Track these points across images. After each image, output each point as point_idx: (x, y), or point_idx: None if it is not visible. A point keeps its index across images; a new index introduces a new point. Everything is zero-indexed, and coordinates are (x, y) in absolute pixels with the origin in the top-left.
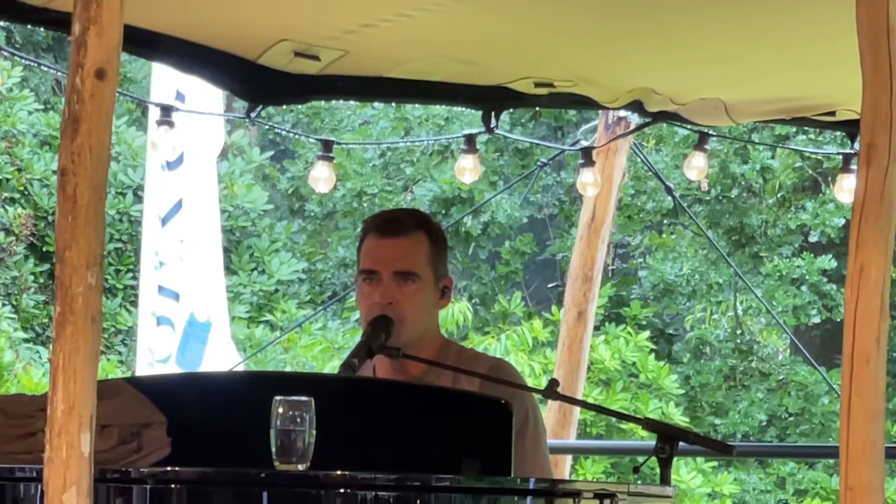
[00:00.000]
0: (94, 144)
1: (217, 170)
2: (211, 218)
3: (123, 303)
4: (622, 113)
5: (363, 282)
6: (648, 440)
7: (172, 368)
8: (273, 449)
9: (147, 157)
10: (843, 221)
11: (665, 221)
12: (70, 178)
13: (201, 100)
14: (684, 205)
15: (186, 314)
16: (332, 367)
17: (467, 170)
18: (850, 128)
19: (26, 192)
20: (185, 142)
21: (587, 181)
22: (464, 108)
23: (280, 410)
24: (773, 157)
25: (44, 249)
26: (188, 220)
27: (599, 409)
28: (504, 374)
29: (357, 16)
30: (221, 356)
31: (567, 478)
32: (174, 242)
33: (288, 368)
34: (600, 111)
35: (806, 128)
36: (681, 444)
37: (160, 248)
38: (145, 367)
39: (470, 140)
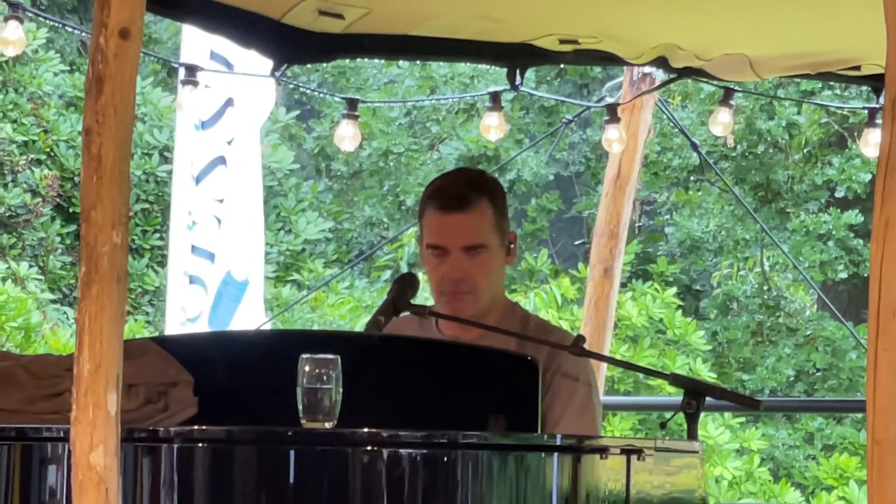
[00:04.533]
0: (118, 104)
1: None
2: (253, 176)
3: (151, 263)
4: (647, 69)
5: (431, 255)
6: (675, 396)
7: (203, 328)
8: (300, 407)
9: (177, 117)
10: (869, 176)
11: (691, 178)
12: (95, 137)
13: (248, 59)
14: (710, 161)
15: (222, 273)
16: (361, 326)
17: (493, 127)
18: (876, 82)
19: (52, 154)
20: (228, 99)
21: (612, 138)
22: (489, 66)
23: (306, 368)
24: (798, 113)
25: (70, 211)
26: (228, 178)
27: (626, 365)
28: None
29: None
30: (252, 316)
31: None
32: (209, 202)
33: (315, 327)
34: (625, 68)
35: (831, 83)
36: (708, 399)
37: (193, 207)
38: (177, 326)
39: (495, 98)
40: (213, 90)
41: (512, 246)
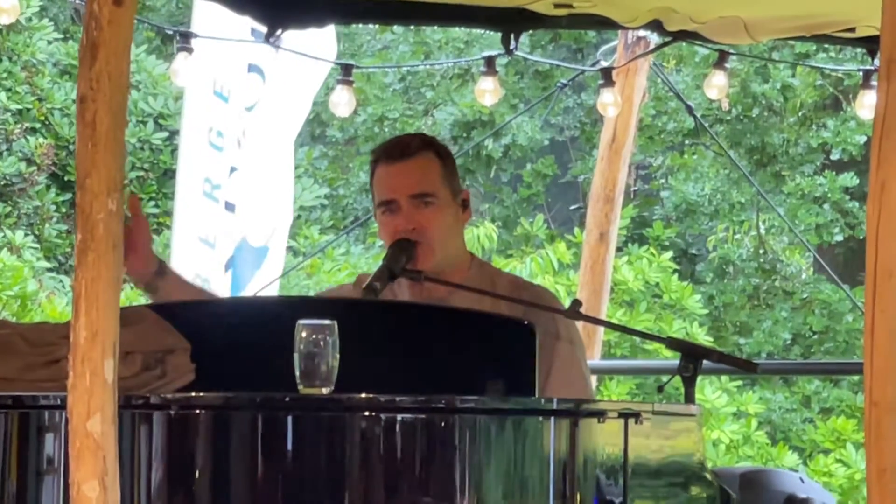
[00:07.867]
0: (112, 71)
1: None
2: (284, 147)
3: None
4: (642, 33)
5: (382, 214)
6: (672, 360)
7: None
8: (297, 373)
9: (189, 83)
10: (864, 139)
11: (686, 142)
12: (89, 104)
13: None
14: (705, 124)
15: (239, 239)
16: None
17: (487, 92)
18: (871, 44)
19: (47, 122)
20: (254, 66)
21: (607, 102)
22: (483, 31)
23: (303, 334)
24: (793, 76)
25: (65, 179)
26: (256, 146)
27: (622, 329)
28: (539, 300)
29: None
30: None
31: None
32: (233, 167)
33: (312, 294)
34: (619, 31)
35: (826, 45)
36: (705, 362)
37: (211, 173)
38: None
39: (490, 62)
40: (236, 58)
41: (465, 202)
